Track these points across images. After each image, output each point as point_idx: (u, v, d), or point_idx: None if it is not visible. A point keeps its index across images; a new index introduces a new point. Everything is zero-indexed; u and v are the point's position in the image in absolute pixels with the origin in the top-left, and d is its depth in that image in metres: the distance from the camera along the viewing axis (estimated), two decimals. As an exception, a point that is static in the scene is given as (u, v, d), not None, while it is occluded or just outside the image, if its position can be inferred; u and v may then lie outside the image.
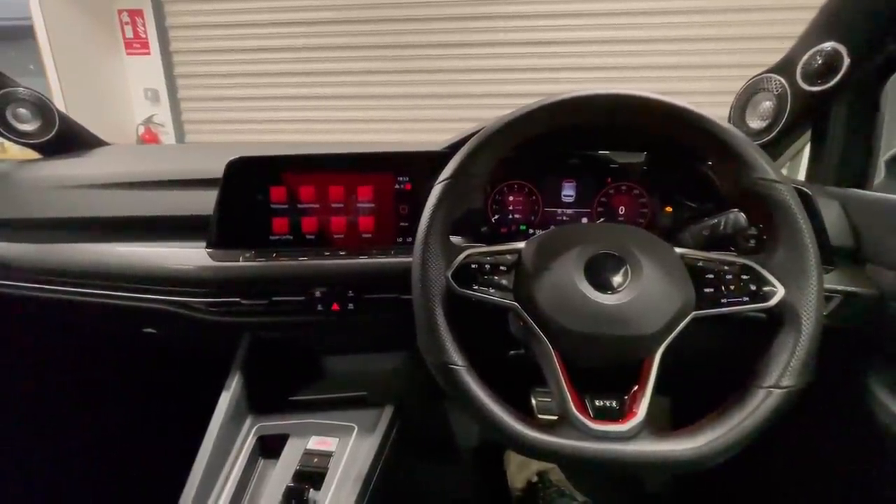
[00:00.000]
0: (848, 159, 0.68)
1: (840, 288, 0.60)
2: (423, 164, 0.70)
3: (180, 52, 3.60)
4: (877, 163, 0.68)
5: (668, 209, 0.73)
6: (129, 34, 3.56)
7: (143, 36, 3.55)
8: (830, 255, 0.62)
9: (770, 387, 0.44)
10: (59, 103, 3.19)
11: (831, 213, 0.64)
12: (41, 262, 0.76)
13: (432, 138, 0.79)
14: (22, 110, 0.88)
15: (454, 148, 0.65)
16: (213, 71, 3.58)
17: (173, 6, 3.49)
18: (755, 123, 0.74)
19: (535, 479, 1.07)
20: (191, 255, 0.70)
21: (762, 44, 2.84)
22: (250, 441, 0.69)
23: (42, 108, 0.90)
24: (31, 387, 1.00)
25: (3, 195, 0.83)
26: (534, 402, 0.85)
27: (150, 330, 0.85)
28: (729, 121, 0.81)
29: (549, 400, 0.67)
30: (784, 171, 0.95)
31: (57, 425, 1.05)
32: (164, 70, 3.61)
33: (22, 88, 0.89)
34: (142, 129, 3.70)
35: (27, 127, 0.89)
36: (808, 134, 0.77)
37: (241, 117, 3.67)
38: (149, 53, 3.59)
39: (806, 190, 0.64)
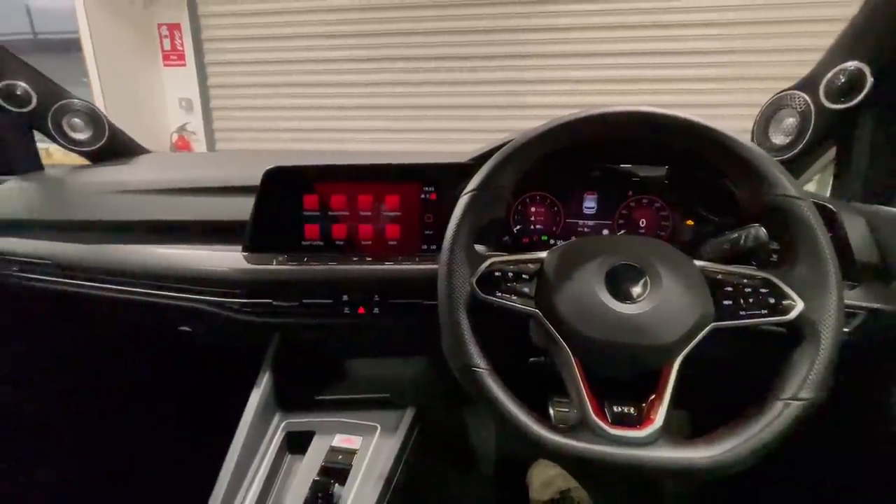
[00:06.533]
0: (873, 176, 0.68)
1: (865, 304, 0.60)
2: (448, 175, 0.72)
3: (214, 63, 3.76)
4: (903, 180, 0.68)
5: (690, 222, 0.73)
6: (167, 46, 3.74)
7: (180, 48, 3.72)
8: (856, 271, 0.62)
9: (789, 399, 0.45)
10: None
11: (856, 230, 0.64)
12: (88, 262, 0.81)
13: (458, 148, 0.82)
14: (76, 120, 0.95)
15: (479, 159, 0.67)
16: (244, 81, 3.72)
17: (210, 20, 3.65)
18: (778, 139, 0.75)
19: (557, 496, 1.07)
20: (227, 258, 0.74)
21: (789, 56, 2.81)
22: (279, 436, 0.72)
23: (94, 118, 0.97)
24: (75, 378, 1.06)
25: (56, 198, 0.89)
26: (552, 411, 0.86)
27: (185, 328, 0.90)
28: (752, 136, 0.81)
29: (566, 410, 0.67)
30: (813, 187, 0.94)
31: (93, 417, 1.10)
32: (198, 80, 3.77)
33: (77, 100, 0.96)
34: (175, 137, 3.86)
35: (80, 136, 0.96)
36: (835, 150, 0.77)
37: (270, 126, 3.79)
38: (184, 65, 3.76)
39: (830, 206, 0.64)
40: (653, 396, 0.48)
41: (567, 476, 1.06)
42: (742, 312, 0.49)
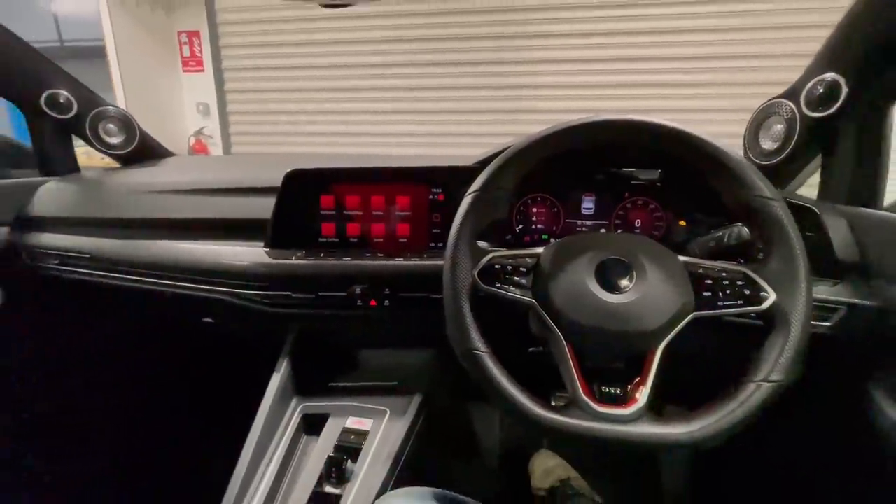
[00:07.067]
0: (857, 180, 0.72)
1: (845, 300, 0.64)
2: (454, 178, 0.78)
3: (231, 69, 3.87)
4: (885, 184, 0.71)
5: (682, 223, 0.78)
6: (187, 53, 3.86)
7: (199, 55, 3.84)
8: (837, 269, 0.66)
9: (760, 381, 0.49)
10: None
11: (839, 230, 0.67)
12: (122, 256, 0.87)
13: (458, 152, 0.87)
14: (111, 126, 1.02)
15: (484, 163, 0.72)
16: (259, 87, 3.83)
17: (227, 28, 3.76)
18: (767, 144, 0.78)
19: (557, 484, 1.11)
20: (250, 253, 0.80)
21: (780, 62, 2.85)
22: (296, 418, 0.78)
23: (127, 124, 1.04)
24: (106, 367, 1.13)
25: (92, 198, 0.96)
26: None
27: (208, 319, 0.96)
28: (744, 140, 0.85)
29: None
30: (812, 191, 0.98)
31: (122, 403, 1.17)
32: (215, 86, 3.88)
33: (111, 107, 1.03)
34: (192, 140, 3.97)
35: (114, 140, 1.03)
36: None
37: (283, 130, 3.89)
38: (203, 71, 3.87)
39: (814, 207, 0.68)
40: (637, 379, 0.52)
41: (567, 466, 1.10)
42: (720, 303, 0.53)
